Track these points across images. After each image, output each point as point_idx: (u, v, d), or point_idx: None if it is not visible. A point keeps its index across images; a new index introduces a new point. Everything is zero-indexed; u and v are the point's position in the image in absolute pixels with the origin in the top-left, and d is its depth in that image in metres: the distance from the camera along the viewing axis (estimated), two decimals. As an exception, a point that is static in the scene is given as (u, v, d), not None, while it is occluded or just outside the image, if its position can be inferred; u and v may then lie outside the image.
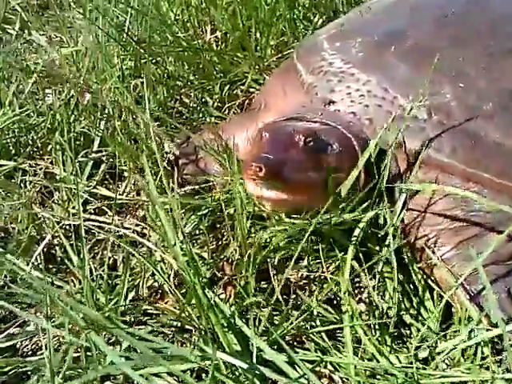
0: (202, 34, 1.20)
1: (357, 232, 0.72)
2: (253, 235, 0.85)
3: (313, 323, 0.71)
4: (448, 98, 0.80)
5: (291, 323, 0.68)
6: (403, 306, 0.75)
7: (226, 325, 0.68)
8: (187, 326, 0.77)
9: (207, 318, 0.69)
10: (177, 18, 1.23)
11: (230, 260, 0.85)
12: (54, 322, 0.73)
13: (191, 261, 0.70)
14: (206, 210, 0.90)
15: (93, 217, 0.93)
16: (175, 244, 0.71)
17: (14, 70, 1.06)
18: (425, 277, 0.77)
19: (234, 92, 1.18)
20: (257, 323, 0.69)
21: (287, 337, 0.70)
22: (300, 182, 0.75)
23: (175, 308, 0.80)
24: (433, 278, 0.76)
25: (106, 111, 1.03)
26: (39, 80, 1.04)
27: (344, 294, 0.68)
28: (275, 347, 0.67)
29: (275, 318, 0.71)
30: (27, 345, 0.82)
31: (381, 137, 0.79)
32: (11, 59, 1.11)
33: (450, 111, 0.80)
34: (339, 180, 0.76)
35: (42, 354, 0.79)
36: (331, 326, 0.68)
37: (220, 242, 0.91)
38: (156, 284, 0.87)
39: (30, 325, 0.84)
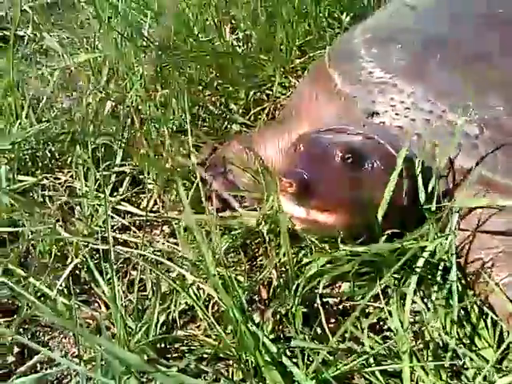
0: (222, 35, 1.13)
1: (420, 262, 0.67)
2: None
3: (364, 360, 0.66)
4: (500, 112, 0.75)
5: (344, 363, 0.63)
6: (456, 334, 0.71)
7: (271, 362, 0.63)
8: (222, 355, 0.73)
9: (251, 355, 0.64)
10: (196, 19, 1.17)
11: (267, 283, 0.81)
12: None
13: (230, 290, 0.65)
14: (240, 230, 0.85)
15: (119, 236, 0.88)
16: (215, 275, 0.66)
17: (29, 79, 1.00)
18: (478, 303, 0.72)
19: (260, 97, 1.13)
20: (305, 361, 0.65)
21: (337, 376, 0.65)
22: (334, 201, 0.69)
23: (208, 334, 0.76)
24: (487, 305, 0.72)
25: (129, 121, 0.97)
26: (57, 89, 0.98)
27: (405, 331, 0.63)
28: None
29: (321, 351, 0.66)
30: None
31: (429, 154, 0.74)
32: (24, 66, 1.05)
33: (503, 126, 0.74)
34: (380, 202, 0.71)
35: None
36: (388, 366, 0.63)
37: (255, 263, 0.87)
38: (186, 307, 0.83)
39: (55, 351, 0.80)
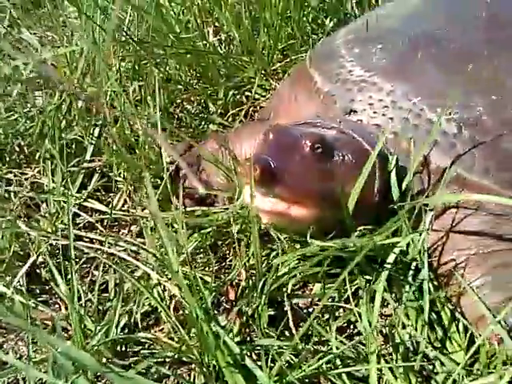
0: (204, 36, 1.11)
1: (391, 258, 0.64)
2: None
3: (330, 362, 0.62)
4: (480, 111, 0.73)
5: (308, 364, 0.59)
6: (427, 337, 0.67)
7: (233, 364, 0.59)
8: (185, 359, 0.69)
9: (213, 356, 0.60)
10: (178, 18, 1.15)
11: (235, 284, 0.77)
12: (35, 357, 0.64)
13: (195, 291, 0.61)
14: (210, 229, 0.81)
15: (83, 233, 0.84)
16: (178, 271, 0.62)
17: (1, 71, 0.97)
18: (450, 306, 0.69)
19: (239, 98, 1.10)
20: (269, 363, 0.61)
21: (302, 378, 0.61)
22: (300, 192, 0.65)
23: (172, 336, 0.72)
24: (459, 308, 0.68)
25: (101, 116, 0.94)
26: (29, 82, 0.95)
27: (372, 331, 0.60)
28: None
29: (286, 352, 0.62)
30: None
31: (405, 152, 0.71)
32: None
33: (483, 126, 0.72)
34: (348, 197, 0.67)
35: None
36: (355, 368, 0.60)
37: (224, 263, 0.83)
38: (149, 309, 0.79)
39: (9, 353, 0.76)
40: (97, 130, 0.94)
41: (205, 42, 1.12)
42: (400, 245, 0.64)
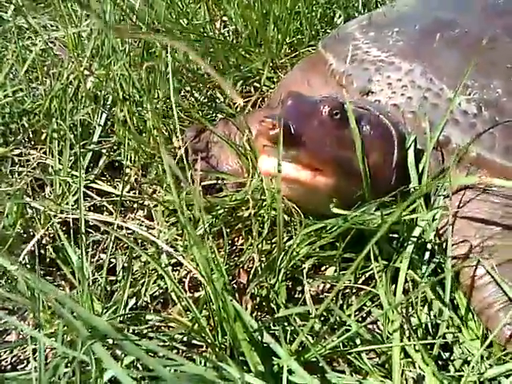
0: (214, 25, 1.10)
1: (416, 232, 0.62)
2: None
3: (349, 342, 0.60)
4: (499, 93, 0.72)
5: (327, 343, 0.57)
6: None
7: (251, 340, 0.57)
8: (196, 341, 0.66)
9: (229, 332, 0.58)
10: (187, 7, 1.14)
11: (247, 267, 0.75)
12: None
13: (215, 265, 0.59)
14: (222, 210, 0.79)
15: (91, 214, 0.82)
16: (197, 243, 0.59)
17: (8, 52, 0.95)
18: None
19: (248, 89, 1.09)
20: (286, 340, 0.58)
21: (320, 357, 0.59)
22: (319, 156, 0.62)
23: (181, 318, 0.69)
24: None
25: (110, 99, 0.92)
26: (37, 63, 0.93)
27: (396, 307, 0.57)
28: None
29: (303, 332, 0.60)
30: (5, 358, 0.70)
31: (424, 131, 0.70)
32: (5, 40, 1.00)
33: (503, 107, 0.71)
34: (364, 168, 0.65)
35: (24, 368, 0.69)
36: (377, 346, 0.57)
37: (234, 247, 0.81)
38: (157, 293, 0.76)
39: (11, 334, 0.73)
40: (104, 113, 0.92)
41: (214, 30, 1.11)
42: (426, 218, 0.62)
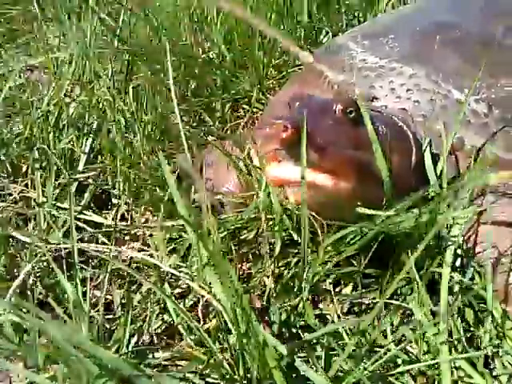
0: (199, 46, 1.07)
1: (456, 230, 0.57)
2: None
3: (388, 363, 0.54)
4: (507, 91, 0.70)
5: (365, 366, 0.51)
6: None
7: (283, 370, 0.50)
8: (211, 379, 0.59)
9: (255, 362, 0.51)
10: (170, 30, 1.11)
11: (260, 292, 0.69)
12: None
13: (232, 285, 0.53)
14: (225, 233, 0.73)
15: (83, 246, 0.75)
16: (216, 256, 0.53)
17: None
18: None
19: (236, 112, 1.05)
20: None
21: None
22: (335, 158, 0.56)
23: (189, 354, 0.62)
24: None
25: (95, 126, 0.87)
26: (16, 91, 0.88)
27: (449, 315, 0.52)
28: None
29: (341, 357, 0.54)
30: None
31: (436, 134, 0.67)
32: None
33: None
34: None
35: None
36: (424, 364, 0.51)
37: (241, 272, 0.75)
38: (160, 329, 0.69)
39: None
40: (90, 140, 0.86)
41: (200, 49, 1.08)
42: (464, 215, 0.57)
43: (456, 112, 0.69)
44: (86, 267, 0.74)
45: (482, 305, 0.60)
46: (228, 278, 0.51)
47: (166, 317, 0.68)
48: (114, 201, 0.87)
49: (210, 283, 0.59)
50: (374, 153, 0.58)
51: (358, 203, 0.57)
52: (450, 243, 0.55)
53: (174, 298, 0.68)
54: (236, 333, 0.53)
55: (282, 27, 1.15)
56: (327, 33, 1.18)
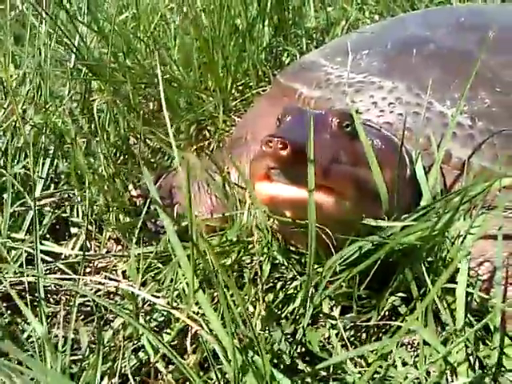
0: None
1: (469, 240, 0.53)
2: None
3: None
4: (488, 103, 0.69)
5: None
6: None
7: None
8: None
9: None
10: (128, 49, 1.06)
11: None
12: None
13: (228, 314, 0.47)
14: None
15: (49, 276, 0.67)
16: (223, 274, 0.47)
17: None
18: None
19: (202, 133, 1.01)
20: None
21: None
22: (333, 173, 0.53)
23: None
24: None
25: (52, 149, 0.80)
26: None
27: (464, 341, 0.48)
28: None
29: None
30: None
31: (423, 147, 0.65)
32: None
33: (495, 117, 0.68)
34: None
35: None
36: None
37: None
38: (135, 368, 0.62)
39: None
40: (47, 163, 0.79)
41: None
42: (476, 224, 0.55)
43: (440, 124, 0.67)
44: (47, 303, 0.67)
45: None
46: (227, 302, 0.45)
47: (141, 354, 0.62)
48: (73, 230, 0.80)
49: (198, 313, 0.53)
50: (371, 167, 0.55)
51: (360, 218, 0.54)
52: (464, 253, 0.52)
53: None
54: (232, 365, 0.47)
55: (243, 50, 1.12)
56: (288, 55, 1.16)
